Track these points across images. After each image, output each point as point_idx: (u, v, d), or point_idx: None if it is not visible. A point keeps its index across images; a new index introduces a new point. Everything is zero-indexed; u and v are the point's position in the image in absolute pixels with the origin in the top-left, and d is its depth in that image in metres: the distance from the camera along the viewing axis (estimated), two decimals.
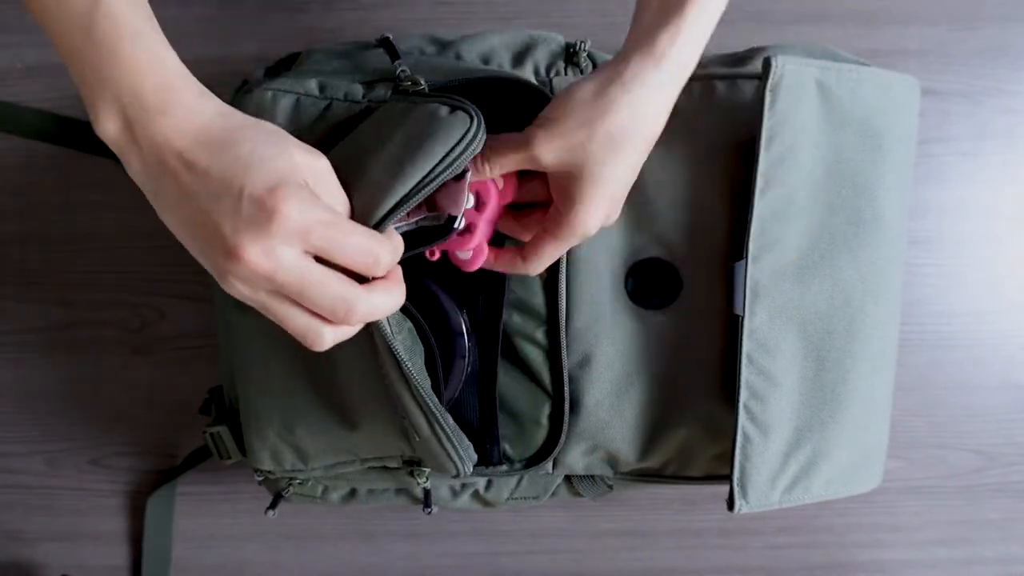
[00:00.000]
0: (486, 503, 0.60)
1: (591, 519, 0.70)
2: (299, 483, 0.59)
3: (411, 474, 0.56)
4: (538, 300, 0.53)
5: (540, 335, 0.54)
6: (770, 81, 0.49)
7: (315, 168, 0.40)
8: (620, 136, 0.43)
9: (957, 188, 0.68)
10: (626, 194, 0.47)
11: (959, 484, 0.70)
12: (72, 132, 0.65)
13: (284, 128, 0.41)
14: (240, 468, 0.69)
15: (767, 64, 0.49)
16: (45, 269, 0.67)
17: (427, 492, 0.59)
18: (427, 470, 0.56)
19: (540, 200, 0.48)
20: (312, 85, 0.51)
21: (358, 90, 0.51)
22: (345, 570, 0.70)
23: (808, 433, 0.53)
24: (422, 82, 0.48)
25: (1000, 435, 0.70)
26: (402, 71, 0.49)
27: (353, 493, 0.61)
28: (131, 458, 0.69)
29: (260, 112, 0.50)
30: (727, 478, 0.53)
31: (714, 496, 0.70)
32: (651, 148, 0.45)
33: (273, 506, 0.59)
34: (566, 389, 0.53)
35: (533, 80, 0.53)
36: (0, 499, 0.69)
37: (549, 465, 0.56)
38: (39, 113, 0.65)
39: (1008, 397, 0.70)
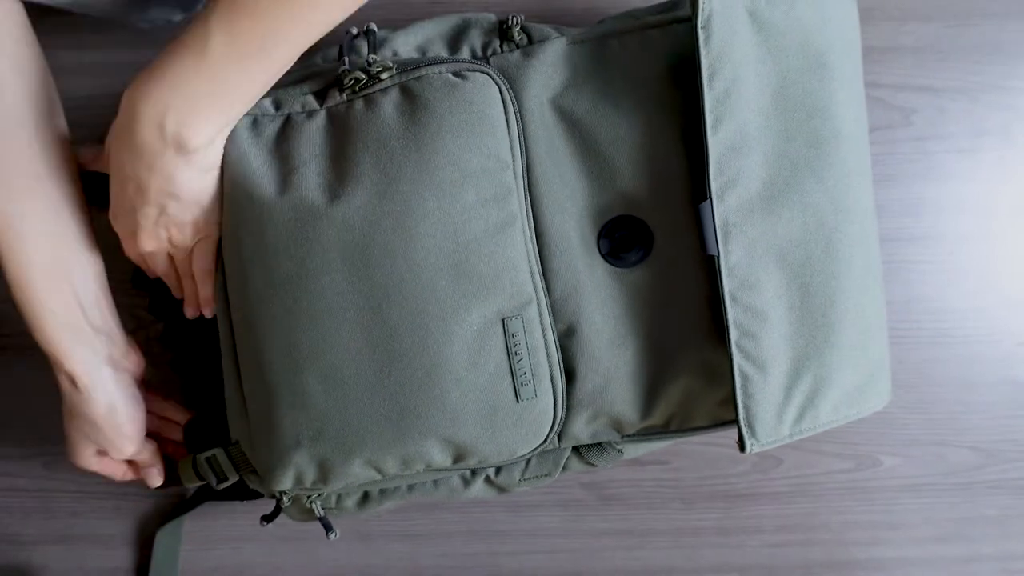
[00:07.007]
0: (500, 488, 0.60)
1: (589, 519, 0.70)
2: (317, 496, 0.57)
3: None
4: None
5: None
6: (700, 18, 0.50)
7: None
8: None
9: (954, 185, 0.68)
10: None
11: (957, 481, 0.70)
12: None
13: (247, 149, 0.49)
14: None
15: (694, 2, 0.50)
16: None
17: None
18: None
19: None
20: (267, 104, 0.53)
21: (312, 101, 0.53)
22: (344, 571, 0.70)
23: (806, 362, 0.52)
24: (391, 64, 0.51)
25: (998, 432, 0.70)
26: (371, 59, 0.52)
27: (366, 497, 0.60)
28: None
29: None
30: (733, 422, 0.53)
31: (712, 495, 0.70)
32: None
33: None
34: (558, 362, 0.53)
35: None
36: None
37: (555, 439, 0.56)
38: None
39: (1006, 394, 0.70)
